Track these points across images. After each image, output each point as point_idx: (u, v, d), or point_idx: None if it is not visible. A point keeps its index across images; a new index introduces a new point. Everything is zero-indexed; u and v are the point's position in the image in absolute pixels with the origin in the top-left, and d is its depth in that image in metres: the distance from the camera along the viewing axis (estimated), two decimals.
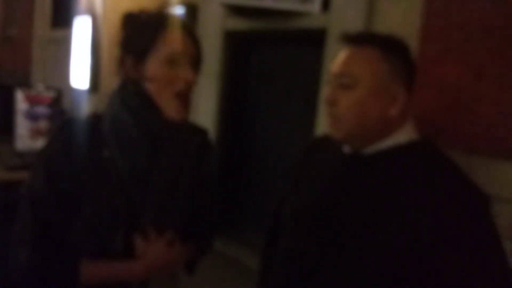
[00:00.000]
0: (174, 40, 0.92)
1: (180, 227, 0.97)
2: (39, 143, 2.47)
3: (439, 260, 0.76)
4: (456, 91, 2.05)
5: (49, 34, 5.41)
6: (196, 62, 0.96)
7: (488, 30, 1.95)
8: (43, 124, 2.55)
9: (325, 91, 0.90)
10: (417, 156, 0.87)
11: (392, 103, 0.86)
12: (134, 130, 0.91)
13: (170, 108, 0.91)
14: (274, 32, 3.11)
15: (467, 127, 2.02)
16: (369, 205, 0.84)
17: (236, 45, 3.42)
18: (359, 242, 0.83)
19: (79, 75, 4.44)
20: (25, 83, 5.04)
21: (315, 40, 2.77)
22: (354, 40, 0.90)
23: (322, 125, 2.59)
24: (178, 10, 3.47)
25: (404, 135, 0.88)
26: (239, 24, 3.24)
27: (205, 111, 3.43)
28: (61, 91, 2.75)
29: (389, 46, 0.88)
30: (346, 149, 0.93)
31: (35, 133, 2.51)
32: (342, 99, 0.87)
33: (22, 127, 2.48)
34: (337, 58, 0.91)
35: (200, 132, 1.09)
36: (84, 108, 4.26)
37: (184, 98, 0.93)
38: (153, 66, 0.91)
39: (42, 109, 2.55)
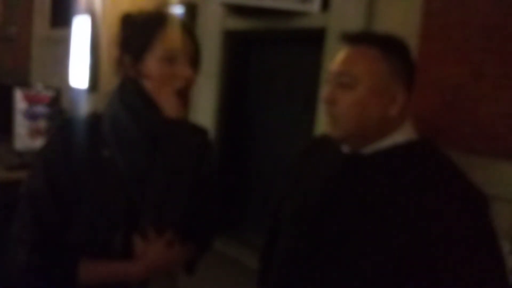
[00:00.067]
0: (171, 38, 0.92)
1: (180, 227, 0.97)
2: (38, 142, 2.47)
3: (437, 260, 0.76)
4: (455, 90, 2.05)
5: (48, 34, 5.41)
6: (194, 60, 0.96)
7: (487, 29, 1.95)
8: (42, 124, 2.54)
9: (324, 90, 0.90)
10: (416, 156, 0.87)
11: (391, 102, 0.86)
12: (134, 130, 0.91)
13: (169, 105, 0.91)
14: (273, 32, 3.11)
15: (467, 126, 2.02)
16: (368, 205, 0.84)
17: (236, 45, 3.42)
18: (358, 242, 0.83)
19: (78, 75, 4.44)
20: (24, 83, 5.04)
21: (314, 39, 2.77)
22: (354, 39, 0.90)
23: (322, 125, 2.59)
24: (177, 10, 3.47)
25: (403, 135, 0.88)
26: (238, 23, 3.23)
27: (204, 111, 3.43)
28: (60, 91, 2.74)
29: (389, 46, 0.88)
30: (345, 148, 0.93)
31: (34, 133, 2.51)
32: (341, 98, 0.86)
33: (21, 126, 2.47)
34: (336, 57, 0.91)
35: (200, 132, 1.09)
36: (83, 108, 4.26)
37: (183, 95, 0.93)
38: (151, 64, 0.91)
39: (41, 109, 2.55)
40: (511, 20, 1.88)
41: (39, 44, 5.57)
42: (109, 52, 3.93)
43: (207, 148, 1.08)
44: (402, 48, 0.90)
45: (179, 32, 0.93)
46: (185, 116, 0.96)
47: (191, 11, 3.47)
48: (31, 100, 2.52)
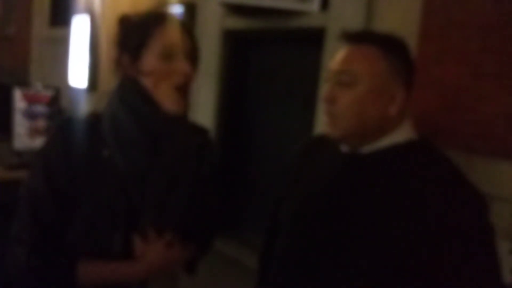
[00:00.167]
0: (169, 35, 0.92)
1: (180, 227, 0.96)
2: (38, 142, 2.47)
3: (436, 259, 0.76)
4: (455, 90, 2.05)
5: (47, 33, 5.41)
6: (192, 56, 0.96)
7: (487, 29, 1.95)
8: (41, 123, 2.54)
9: (323, 89, 0.90)
10: (415, 156, 0.87)
11: (391, 101, 0.86)
12: (133, 130, 0.91)
13: (168, 100, 0.91)
14: (273, 31, 3.11)
15: (466, 126, 2.02)
16: (367, 204, 0.84)
17: (235, 44, 3.42)
18: (358, 241, 0.83)
19: (78, 74, 4.43)
20: (24, 82, 5.03)
21: (314, 39, 2.77)
22: (354, 38, 0.90)
23: (322, 124, 2.59)
24: (176, 9, 3.47)
25: (402, 134, 0.88)
26: (238, 23, 3.23)
27: (203, 111, 3.42)
28: (59, 90, 2.74)
29: (389, 45, 0.88)
30: (344, 148, 0.93)
31: (34, 132, 2.51)
32: (341, 97, 0.86)
33: (20, 126, 2.47)
34: (336, 56, 0.90)
35: (201, 131, 1.09)
36: (83, 107, 4.26)
37: (183, 90, 0.93)
38: (149, 61, 0.91)
39: (40, 108, 2.55)
40: (511, 20, 1.88)
41: (38, 44, 5.57)
42: (108, 51, 3.92)
43: (208, 148, 1.07)
44: (402, 48, 0.90)
45: (177, 29, 0.93)
46: (185, 111, 0.95)
47: (191, 10, 3.47)
48: (31, 100, 2.51)
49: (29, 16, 5.71)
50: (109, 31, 3.96)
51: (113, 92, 0.95)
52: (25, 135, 2.48)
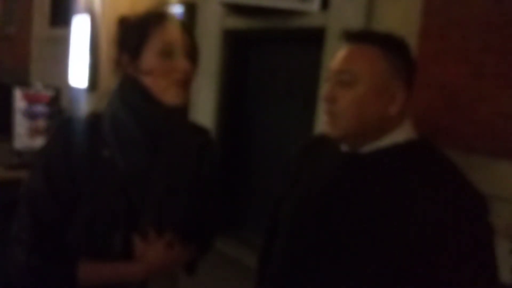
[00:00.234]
0: (168, 33, 0.92)
1: (180, 227, 0.96)
2: (38, 141, 2.47)
3: (436, 259, 0.76)
4: (455, 90, 2.05)
5: (47, 33, 5.41)
6: (192, 54, 0.96)
7: (487, 29, 1.95)
8: (41, 123, 2.54)
9: (324, 89, 0.90)
10: (415, 156, 0.87)
11: (391, 101, 0.86)
12: (134, 129, 0.91)
13: (168, 94, 0.91)
14: (273, 31, 3.11)
15: (466, 126, 2.02)
16: (367, 204, 0.84)
17: (235, 44, 3.42)
18: (358, 241, 0.83)
19: (78, 74, 4.44)
20: (24, 82, 5.03)
21: (314, 39, 2.77)
22: (354, 38, 0.90)
23: (321, 124, 2.59)
24: (177, 9, 3.47)
25: (402, 134, 0.88)
26: (238, 23, 3.23)
27: (204, 111, 3.43)
28: (59, 90, 2.74)
29: (389, 44, 0.88)
30: (344, 148, 0.93)
31: (34, 132, 2.51)
32: (341, 96, 0.86)
33: (20, 125, 2.47)
34: (336, 55, 0.90)
35: (201, 131, 1.09)
36: (83, 107, 4.26)
37: (183, 85, 0.93)
38: (149, 59, 0.91)
39: (40, 108, 2.55)
40: (511, 20, 1.88)
41: (38, 44, 5.58)
42: (108, 51, 3.92)
43: (208, 148, 1.07)
44: (403, 47, 0.89)
45: (176, 27, 0.94)
46: (185, 104, 0.95)
47: (191, 10, 3.47)
48: (31, 100, 2.52)
49: (30, 16, 5.71)
50: (109, 31, 3.96)
51: (113, 92, 0.95)
52: (25, 135, 2.48)
